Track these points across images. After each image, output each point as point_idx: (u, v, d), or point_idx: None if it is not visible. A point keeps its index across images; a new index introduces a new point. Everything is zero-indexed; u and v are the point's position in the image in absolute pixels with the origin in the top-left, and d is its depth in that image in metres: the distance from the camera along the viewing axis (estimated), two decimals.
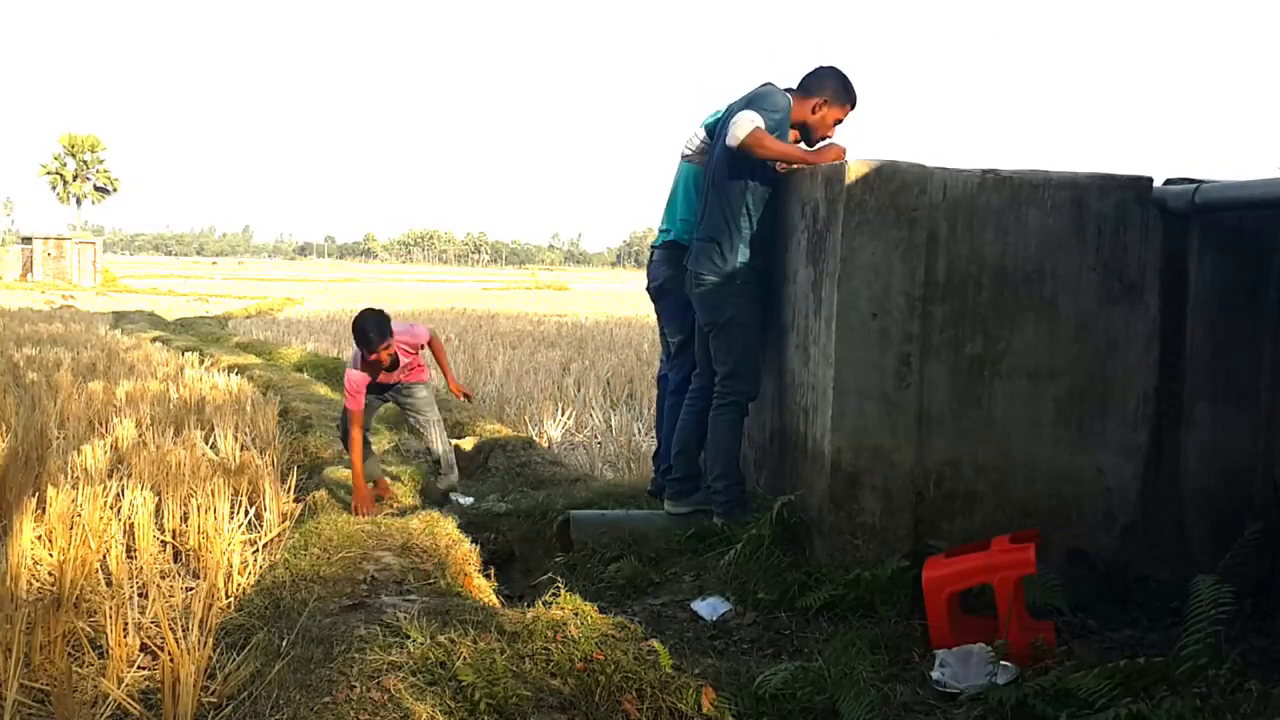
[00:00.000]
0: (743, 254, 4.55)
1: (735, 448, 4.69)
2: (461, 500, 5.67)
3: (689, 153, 5.00)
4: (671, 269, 5.04)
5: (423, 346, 5.61)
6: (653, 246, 5.33)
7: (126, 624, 3.23)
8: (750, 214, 4.54)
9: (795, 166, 4.65)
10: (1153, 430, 4.13)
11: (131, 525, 4.30)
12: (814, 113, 4.56)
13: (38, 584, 3.73)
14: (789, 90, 4.63)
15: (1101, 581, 4.04)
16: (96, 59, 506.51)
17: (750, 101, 4.47)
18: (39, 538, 4.07)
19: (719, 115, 5.04)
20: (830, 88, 4.58)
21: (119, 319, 20.66)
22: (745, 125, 4.33)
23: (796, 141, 4.70)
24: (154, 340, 14.92)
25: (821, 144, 4.61)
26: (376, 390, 5.47)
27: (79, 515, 4.10)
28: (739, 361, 4.61)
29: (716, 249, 4.58)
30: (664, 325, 5.30)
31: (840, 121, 4.63)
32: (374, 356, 5.18)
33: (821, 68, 4.63)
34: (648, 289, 5.30)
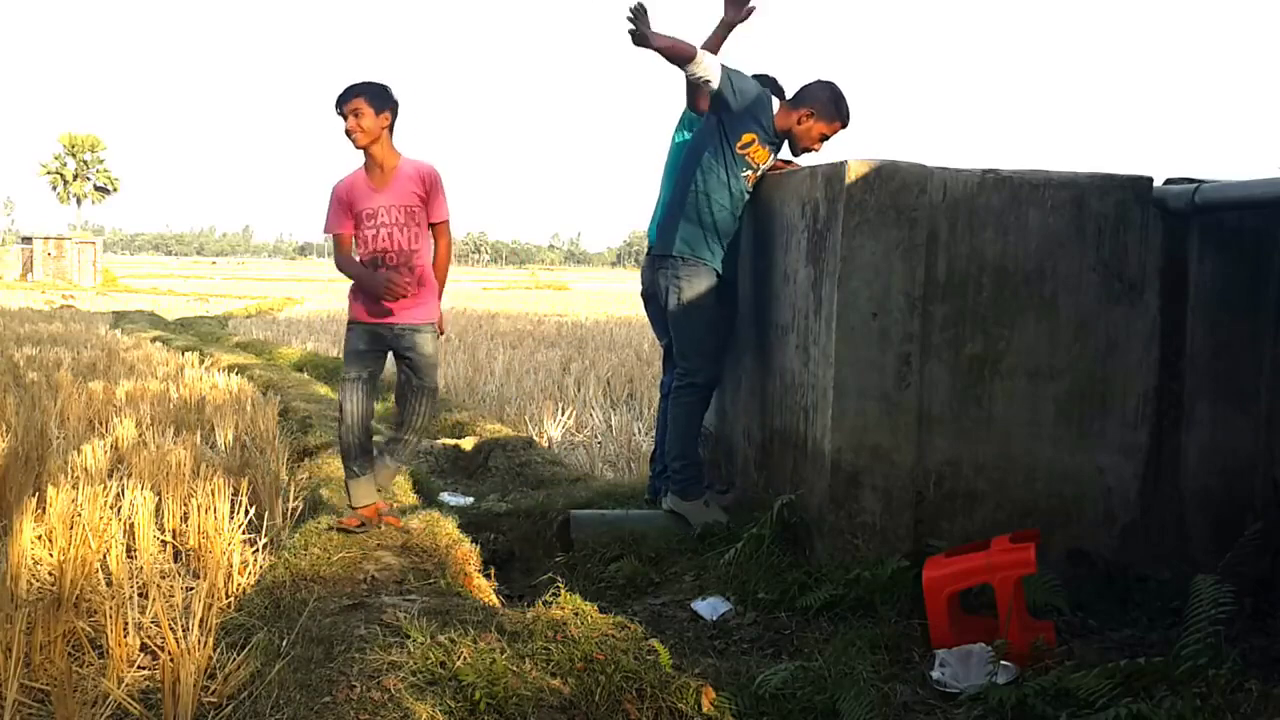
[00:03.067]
0: (686, 234, 4.62)
1: (694, 429, 4.75)
2: (451, 500, 5.68)
3: None
4: (655, 273, 5.09)
5: (433, 191, 4.21)
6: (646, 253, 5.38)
7: (126, 624, 3.22)
8: (699, 196, 4.59)
9: (790, 169, 4.67)
10: (1153, 430, 4.13)
11: (131, 525, 4.29)
12: (799, 123, 4.59)
13: (38, 584, 3.73)
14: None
15: (1101, 581, 4.04)
16: (96, 59, 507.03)
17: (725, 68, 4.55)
18: (39, 537, 4.07)
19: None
20: (820, 101, 4.59)
21: (119, 319, 20.65)
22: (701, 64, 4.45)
23: (774, 157, 4.74)
24: (154, 340, 14.92)
25: (804, 154, 4.66)
26: (371, 342, 4.25)
27: (79, 515, 4.09)
28: (693, 343, 4.68)
29: (663, 230, 4.70)
30: (655, 329, 5.34)
31: (827, 137, 4.65)
32: (346, 122, 4.08)
33: (817, 81, 4.65)
34: (641, 294, 5.33)
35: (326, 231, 4.23)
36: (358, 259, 4.22)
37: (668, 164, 5.10)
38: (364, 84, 4.13)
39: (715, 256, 4.66)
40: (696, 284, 4.65)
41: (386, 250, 4.16)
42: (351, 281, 4.26)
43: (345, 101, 4.10)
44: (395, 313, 4.18)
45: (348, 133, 4.11)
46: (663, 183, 5.11)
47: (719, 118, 4.56)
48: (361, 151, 4.16)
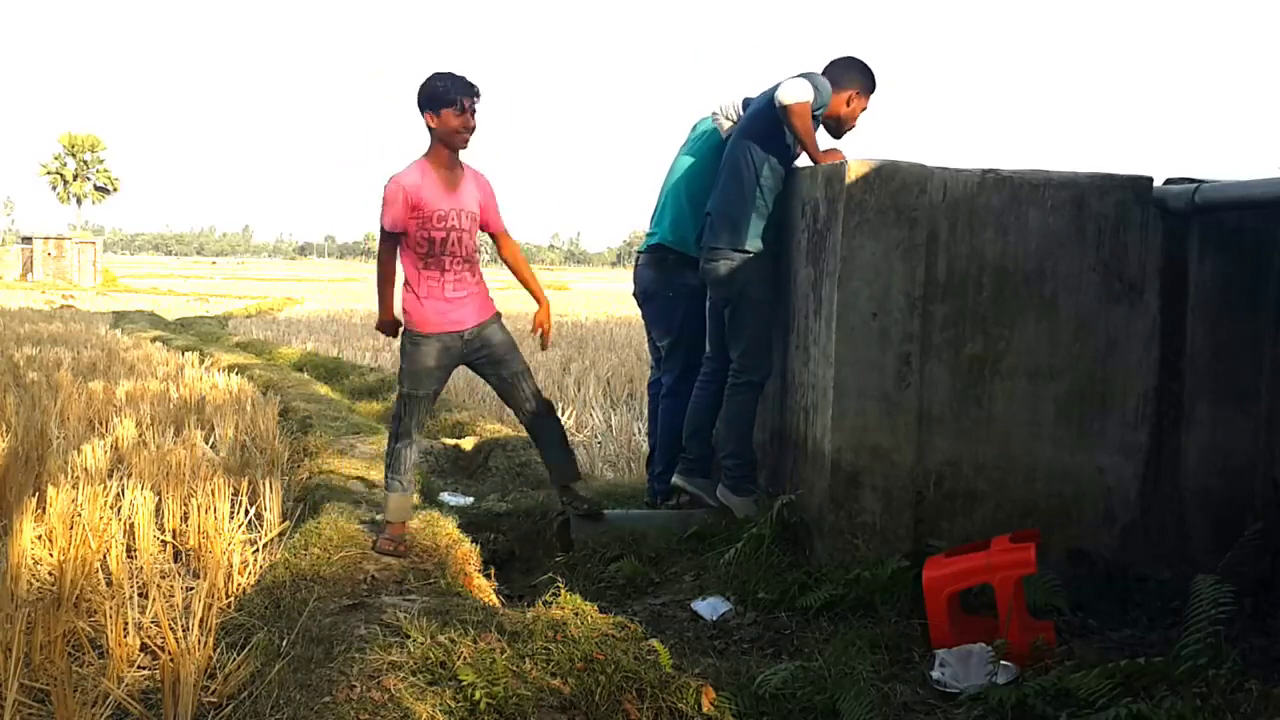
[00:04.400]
0: (757, 230, 4.53)
1: (748, 427, 4.70)
2: (451, 500, 5.68)
3: (727, 124, 4.98)
4: (656, 272, 5.07)
5: (491, 201, 4.21)
6: (638, 252, 5.32)
7: (126, 624, 3.23)
8: (764, 192, 4.52)
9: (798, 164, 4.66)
10: (1153, 430, 4.13)
11: (131, 525, 4.30)
12: (848, 104, 4.56)
13: (38, 584, 3.73)
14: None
15: (1101, 581, 4.04)
16: (96, 59, 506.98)
17: (804, 75, 4.43)
18: (39, 537, 4.07)
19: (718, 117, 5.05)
20: (859, 80, 4.58)
21: (119, 319, 20.65)
22: (799, 92, 4.30)
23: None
24: (154, 340, 14.92)
25: (827, 148, 4.60)
26: (439, 357, 4.16)
27: (79, 515, 4.09)
28: (753, 339, 4.60)
29: (731, 224, 4.57)
30: (651, 330, 5.31)
31: (864, 110, 4.65)
32: (461, 118, 3.96)
33: (840, 59, 4.61)
34: (634, 294, 5.29)
35: (389, 227, 4.02)
36: (409, 259, 4.09)
37: (693, 167, 5.00)
38: (478, 87, 4.02)
39: (773, 251, 4.61)
40: (765, 279, 4.58)
41: (455, 254, 4.09)
42: (409, 289, 4.13)
43: (475, 100, 3.99)
44: (465, 318, 4.15)
45: (461, 130, 3.98)
46: (675, 185, 5.05)
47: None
48: (451, 147, 4.04)
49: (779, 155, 4.54)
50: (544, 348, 4.51)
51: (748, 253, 4.53)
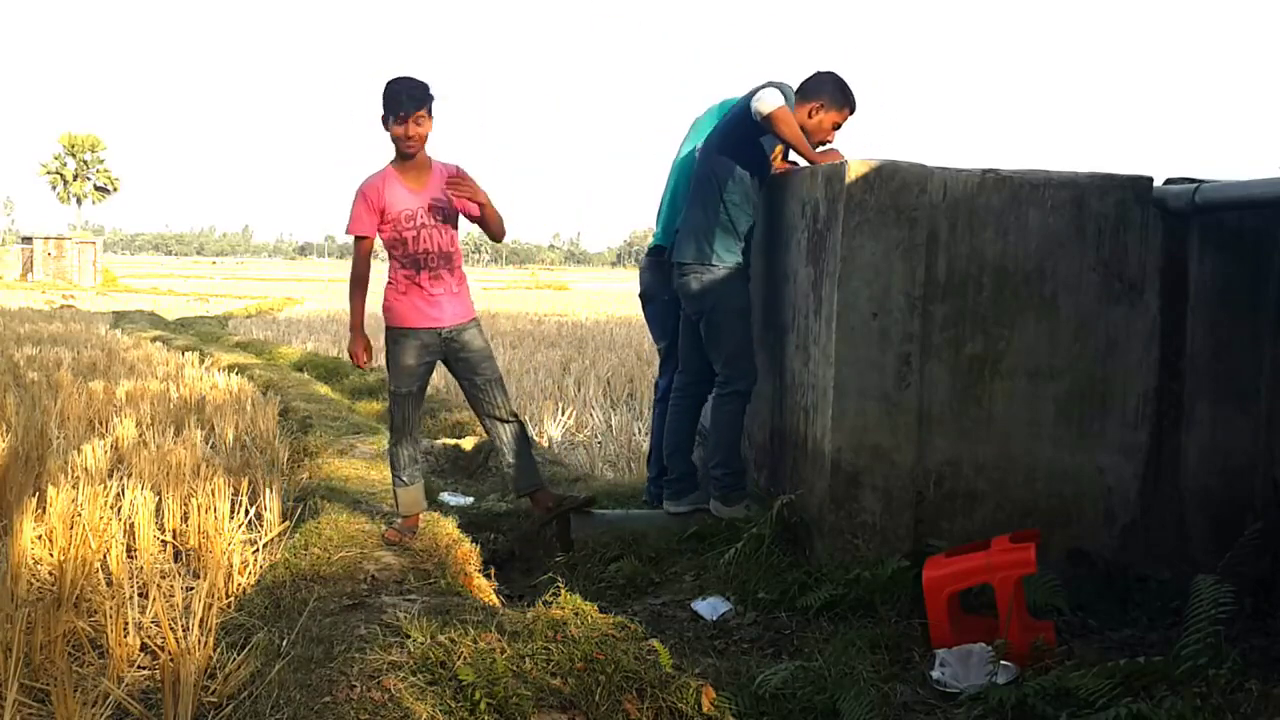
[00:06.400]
0: (725, 245, 4.56)
1: (737, 437, 4.71)
2: (451, 500, 5.67)
3: None
4: (654, 275, 5.10)
5: (460, 181, 4.07)
6: (647, 253, 5.36)
7: (127, 624, 3.22)
8: (728, 204, 4.54)
9: (790, 167, 4.66)
10: (1153, 430, 4.13)
11: (132, 525, 4.29)
12: (810, 117, 4.54)
13: (38, 584, 3.73)
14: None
15: (1101, 581, 4.04)
16: (96, 59, 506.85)
17: (770, 84, 4.44)
18: (39, 537, 4.07)
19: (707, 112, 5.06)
20: (828, 92, 4.56)
21: (119, 319, 20.64)
22: (773, 100, 4.32)
23: (785, 155, 4.73)
24: (154, 340, 14.91)
25: (822, 148, 4.60)
26: (419, 354, 4.21)
27: (79, 515, 4.09)
28: (732, 349, 4.61)
29: (697, 240, 4.60)
30: (653, 330, 5.33)
31: (839, 126, 4.62)
32: (402, 127, 3.98)
33: (819, 72, 4.63)
34: (639, 295, 5.33)
35: (349, 232, 4.16)
36: (383, 261, 4.21)
37: (682, 168, 5.02)
38: (424, 92, 4.03)
39: (746, 262, 4.64)
40: (737, 290, 4.60)
41: (428, 252, 4.14)
42: (389, 286, 4.21)
43: (412, 110, 3.98)
44: (442, 316, 4.21)
45: (404, 138, 4.01)
46: (674, 185, 5.06)
47: (764, 135, 4.50)
48: (402, 154, 4.08)
49: (750, 167, 4.54)
50: (451, 186, 4.09)
51: (714, 267, 4.55)
